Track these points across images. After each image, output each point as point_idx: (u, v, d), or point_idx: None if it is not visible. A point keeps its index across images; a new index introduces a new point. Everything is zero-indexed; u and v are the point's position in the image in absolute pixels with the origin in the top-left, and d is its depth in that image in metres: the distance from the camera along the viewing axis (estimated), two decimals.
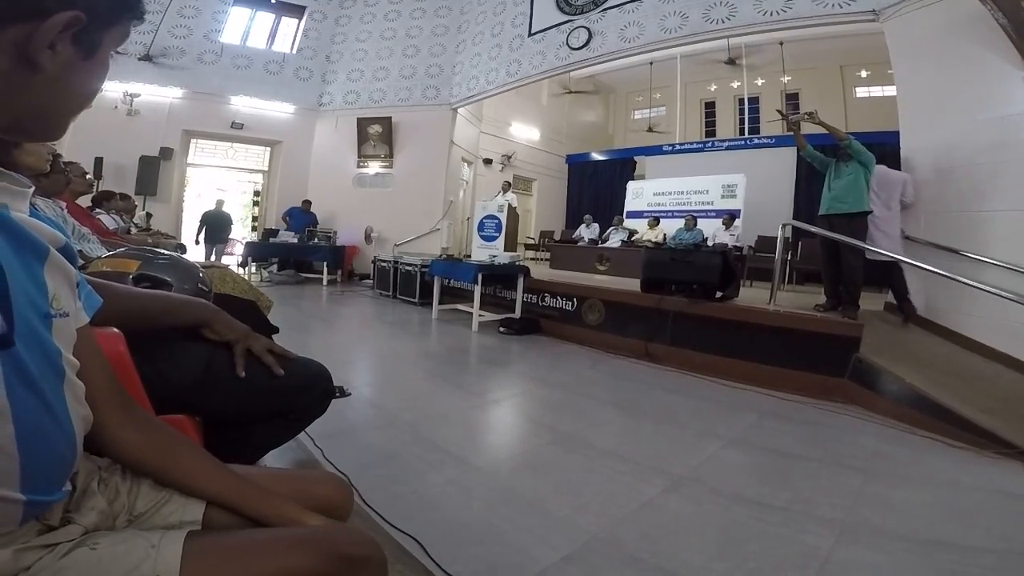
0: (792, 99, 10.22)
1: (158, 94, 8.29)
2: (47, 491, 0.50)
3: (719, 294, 3.96)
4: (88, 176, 3.88)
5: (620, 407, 2.94)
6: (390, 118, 8.97)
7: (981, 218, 3.74)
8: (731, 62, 10.01)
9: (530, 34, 7.77)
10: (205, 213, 7.90)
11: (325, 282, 8.04)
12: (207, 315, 0.96)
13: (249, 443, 1.08)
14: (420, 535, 1.40)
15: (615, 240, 8.30)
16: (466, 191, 10.18)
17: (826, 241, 3.73)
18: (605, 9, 6.85)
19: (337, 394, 1.16)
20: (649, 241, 7.83)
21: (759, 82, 10.43)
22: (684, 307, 3.91)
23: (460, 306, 5.55)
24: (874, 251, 3.61)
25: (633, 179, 10.94)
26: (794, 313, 3.60)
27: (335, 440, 1.99)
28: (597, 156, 12.27)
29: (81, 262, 0.77)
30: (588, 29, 6.98)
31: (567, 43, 7.20)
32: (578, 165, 12.60)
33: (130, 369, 0.79)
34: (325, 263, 8.07)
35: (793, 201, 8.35)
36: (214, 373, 0.95)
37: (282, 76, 9.31)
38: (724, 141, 10.10)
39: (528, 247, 10.84)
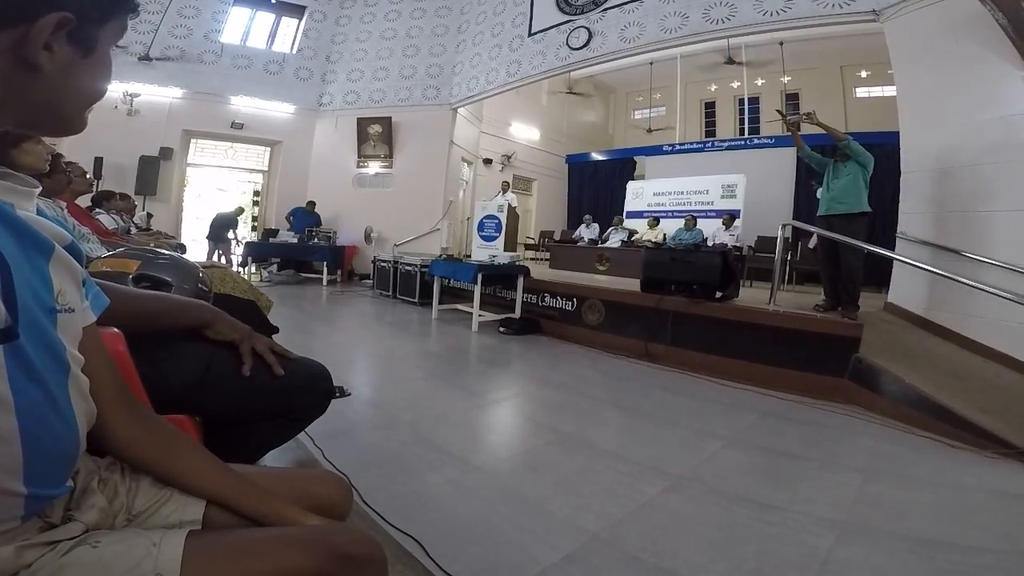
0: (792, 99, 10.22)
1: (158, 94, 8.29)
2: (50, 485, 0.50)
3: (719, 294, 3.95)
4: (88, 176, 3.88)
5: (620, 407, 2.94)
6: (390, 118, 8.97)
7: (981, 218, 3.73)
8: (731, 62, 10.01)
9: (530, 34, 7.77)
10: (217, 214, 8.11)
11: (325, 282, 8.04)
12: (209, 316, 0.96)
13: (249, 443, 1.08)
14: (420, 535, 1.40)
15: (615, 240, 8.30)
16: (466, 191, 10.18)
17: (825, 241, 3.74)
18: (605, 9, 6.85)
19: (337, 394, 1.16)
20: (649, 241, 7.84)
21: (759, 82, 10.44)
22: (684, 307, 3.91)
23: (460, 306, 5.55)
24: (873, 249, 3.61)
25: (633, 179, 10.94)
26: (794, 313, 3.60)
27: (335, 440, 1.99)
28: (597, 156, 12.27)
29: None
30: (588, 29, 6.98)
31: (567, 43, 7.20)
32: (578, 165, 12.60)
33: (130, 369, 0.79)
34: (325, 263, 8.07)
35: (793, 201, 8.36)
36: (214, 373, 0.95)
37: (282, 76, 9.31)
38: (724, 141, 10.11)
39: (528, 247, 10.84)
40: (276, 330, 2.04)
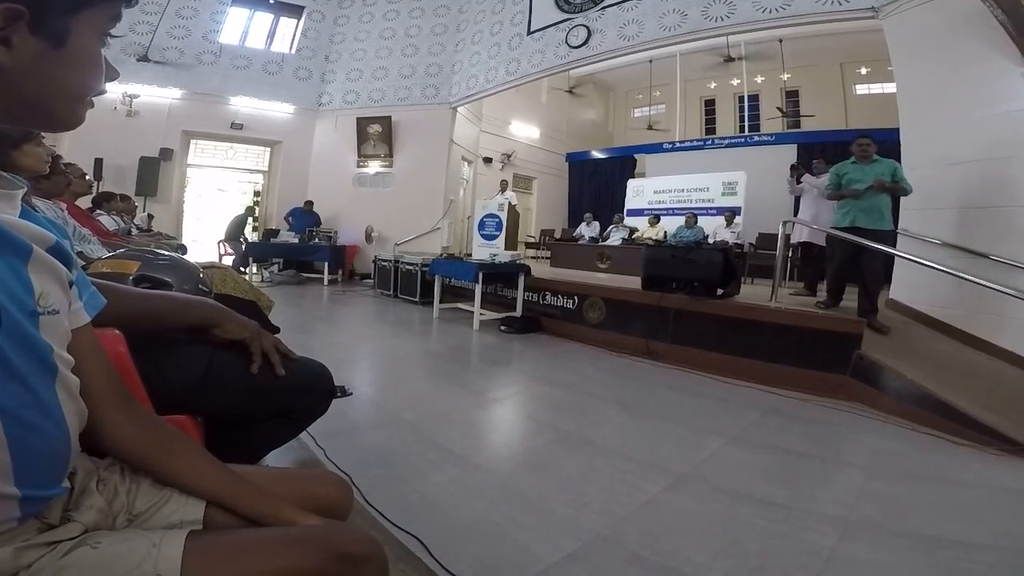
0: (792, 96, 10.22)
1: (157, 95, 8.28)
2: (43, 486, 0.50)
3: (720, 291, 3.95)
4: (88, 177, 3.88)
5: (622, 405, 2.94)
6: (390, 117, 8.96)
7: (983, 214, 3.72)
8: (731, 60, 10.00)
9: (529, 32, 7.76)
10: (235, 216, 8.34)
11: (326, 282, 8.04)
12: (217, 315, 0.96)
13: (250, 443, 1.08)
14: (422, 534, 1.40)
15: (616, 238, 8.30)
16: (466, 190, 10.18)
17: (848, 244, 3.62)
18: (604, 7, 6.83)
19: (338, 394, 1.16)
20: (650, 239, 7.83)
21: (759, 80, 10.42)
22: (685, 305, 3.90)
23: (461, 305, 5.55)
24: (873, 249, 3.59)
25: (633, 177, 10.93)
26: (796, 310, 3.59)
27: (337, 439, 1.99)
28: (597, 154, 12.26)
29: (82, 263, 0.77)
30: (587, 27, 6.96)
31: (566, 41, 7.19)
32: (578, 163, 12.59)
33: (131, 369, 0.79)
34: (326, 263, 8.07)
35: (793, 198, 8.33)
36: (215, 373, 0.95)
37: (281, 76, 9.30)
38: (724, 139, 10.11)
39: (529, 245, 10.84)
40: (277, 330, 2.03)
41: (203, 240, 8.68)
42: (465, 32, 8.89)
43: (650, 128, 11.85)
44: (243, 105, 9.01)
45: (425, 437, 2.20)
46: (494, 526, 1.53)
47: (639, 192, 9.93)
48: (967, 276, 3.11)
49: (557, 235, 10.57)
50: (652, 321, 4.06)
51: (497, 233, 5.68)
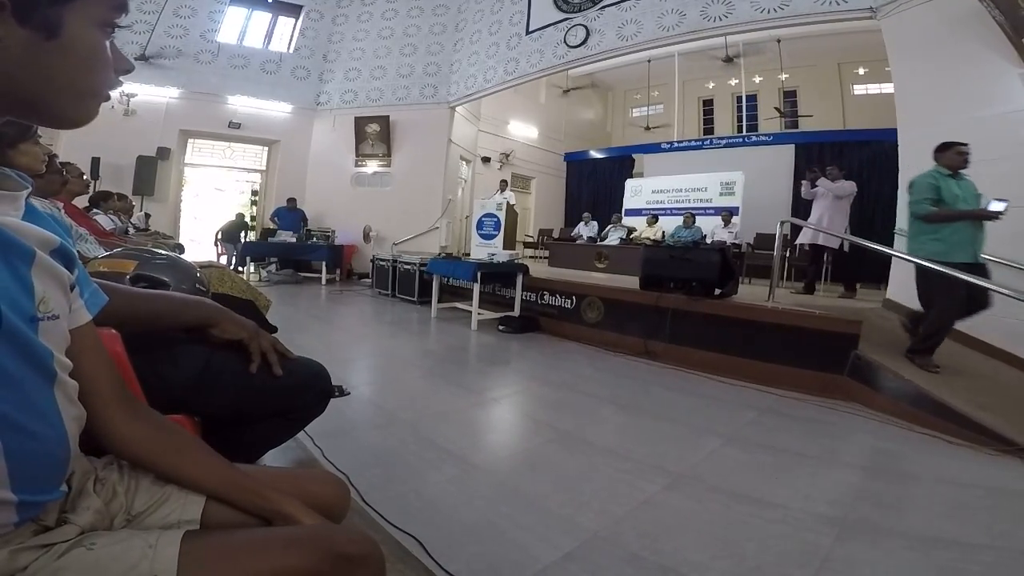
0: (790, 96, 10.24)
1: (155, 94, 8.26)
2: (41, 491, 0.49)
3: (718, 291, 3.95)
4: (85, 176, 3.85)
5: (619, 405, 2.94)
6: (388, 117, 8.94)
7: None
8: (729, 60, 10.01)
9: (528, 32, 7.76)
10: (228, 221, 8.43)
11: (324, 281, 8.03)
12: (215, 315, 0.95)
13: (248, 443, 1.07)
14: (420, 534, 1.40)
15: (614, 238, 8.30)
16: (464, 189, 10.17)
17: (962, 283, 2.88)
18: (603, 7, 6.84)
19: (336, 393, 1.16)
20: (648, 239, 7.84)
21: (757, 80, 10.44)
22: (683, 304, 3.91)
23: (459, 304, 5.55)
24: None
25: (631, 177, 10.93)
26: (793, 310, 3.60)
27: (335, 439, 1.99)
28: (595, 154, 12.26)
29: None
30: (586, 27, 6.97)
31: (565, 41, 7.19)
32: (576, 163, 12.59)
33: (128, 369, 0.78)
34: (324, 262, 8.06)
35: (791, 198, 8.36)
36: (213, 373, 0.95)
37: (279, 75, 9.28)
38: (722, 139, 10.11)
39: (527, 245, 10.83)
40: (275, 329, 2.03)
41: (201, 239, 8.67)
42: (464, 31, 8.89)
43: (648, 128, 11.86)
44: (241, 104, 8.99)
45: (423, 437, 2.20)
46: (492, 526, 1.53)
47: (637, 192, 9.94)
48: (963, 276, 3.12)
49: (555, 235, 10.57)
50: (650, 321, 4.06)
51: (495, 233, 5.68)
